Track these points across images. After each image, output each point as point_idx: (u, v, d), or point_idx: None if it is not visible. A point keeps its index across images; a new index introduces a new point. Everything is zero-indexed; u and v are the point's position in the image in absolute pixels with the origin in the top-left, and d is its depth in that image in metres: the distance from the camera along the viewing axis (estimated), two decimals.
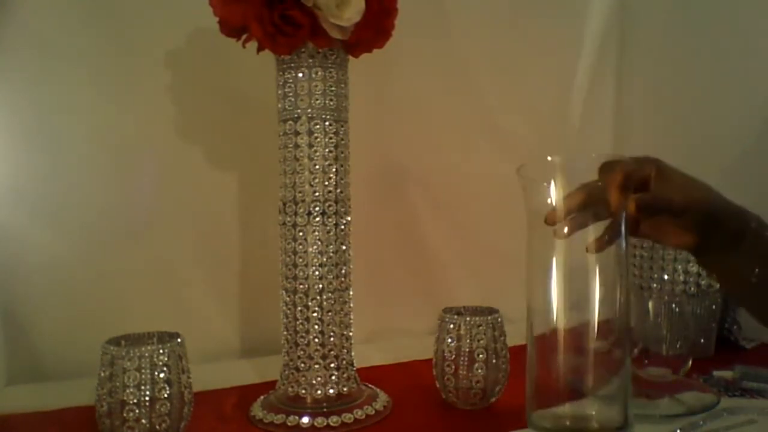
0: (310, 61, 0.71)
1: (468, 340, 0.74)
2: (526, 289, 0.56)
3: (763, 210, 1.01)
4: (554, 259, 0.53)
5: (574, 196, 0.53)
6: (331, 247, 0.73)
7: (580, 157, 0.56)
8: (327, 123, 0.72)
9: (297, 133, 0.72)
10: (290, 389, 0.75)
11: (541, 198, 0.53)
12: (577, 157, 0.56)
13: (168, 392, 0.62)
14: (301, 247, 0.73)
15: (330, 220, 0.73)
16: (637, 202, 0.55)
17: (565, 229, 0.53)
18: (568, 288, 0.53)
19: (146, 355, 0.61)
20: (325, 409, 0.72)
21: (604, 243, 0.53)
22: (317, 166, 0.72)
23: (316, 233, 0.73)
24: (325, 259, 0.73)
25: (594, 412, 0.54)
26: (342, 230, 0.74)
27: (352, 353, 0.77)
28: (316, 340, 0.73)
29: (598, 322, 0.53)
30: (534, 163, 0.53)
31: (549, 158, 0.53)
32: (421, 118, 1.12)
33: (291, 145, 0.73)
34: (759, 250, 0.57)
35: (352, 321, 0.77)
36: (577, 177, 0.53)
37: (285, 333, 0.75)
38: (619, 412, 0.52)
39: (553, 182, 0.52)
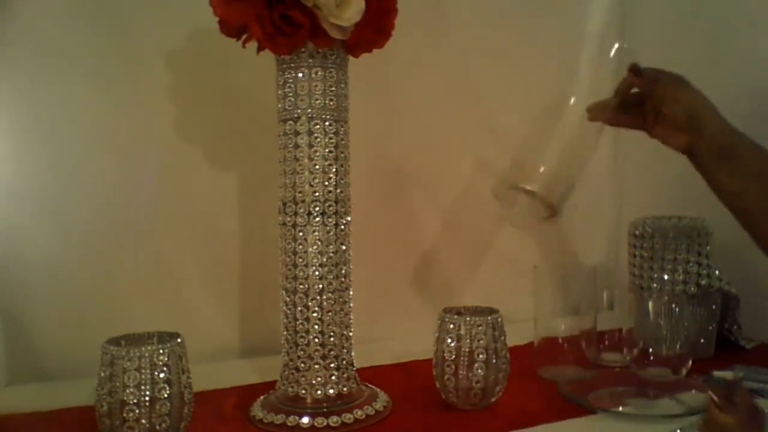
0: (310, 61, 0.71)
1: (468, 340, 0.74)
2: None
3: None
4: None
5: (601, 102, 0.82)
6: (331, 247, 0.73)
7: None
8: (327, 123, 0.72)
9: (297, 133, 0.72)
10: (290, 389, 0.75)
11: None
12: None
13: (168, 392, 0.62)
14: (301, 247, 0.73)
15: (330, 220, 0.73)
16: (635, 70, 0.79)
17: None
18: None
19: (146, 355, 0.61)
20: (325, 409, 0.72)
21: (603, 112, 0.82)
22: (317, 166, 0.72)
23: (316, 233, 0.73)
24: (325, 259, 0.73)
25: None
26: (342, 230, 0.74)
27: (352, 353, 0.77)
28: (316, 340, 0.73)
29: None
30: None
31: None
32: (421, 118, 1.12)
33: (291, 145, 0.73)
34: (741, 169, 0.75)
35: (352, 321, 0.77)
36: None
37: (285, 333, 0.75)
38: None
39: None
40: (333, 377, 0.74)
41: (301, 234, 0.73)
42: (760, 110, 1.06)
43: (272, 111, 0.75)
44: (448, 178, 1.15)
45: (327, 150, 0.73)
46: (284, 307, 0.75)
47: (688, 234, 0.96)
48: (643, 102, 0.82)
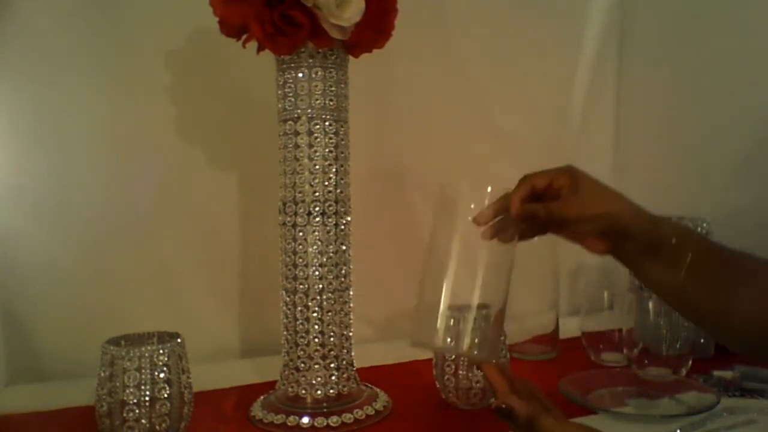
0: (310, 61, 0.71)
1: None
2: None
3: (760, 210, 1.01)
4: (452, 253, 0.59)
5: (494, 204, 0.60)
6: (331, 247, 0.73)
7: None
8: (327, 123, 0.72)
9: (297, 133, 0.72)
10: (290, 389, 0.75)
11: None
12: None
13: (168, 392, 0.62)
14: (301, 247, 0.73)
15: (330, 220, 0.73)
16: (527, 211, 0.59)
17: (488, 231, 0.60)
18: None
19: (146, 355, 0.61)
20: (325, 409, 0.72)
21: (495, 234, 0.60)
22: (317, 166, 0.72)
23: (316, 233, 0.73)
24: (325, 259, 0.73)
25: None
26: (342, 230, 0.74)
27: (352, 353, 0.77)
28: (316, 340, 0.73)
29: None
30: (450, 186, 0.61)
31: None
32: (421, 118, 1.12)
33: (291, 145, 0.73)
34: (680, 263, 0.58)
35: (352, 321, 0.77)
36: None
37: (285, 333, 0.75)
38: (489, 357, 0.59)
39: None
40: (333, 377, 0.74)
41: (301, 234, 0.73)
42: (760, 109, 1.06)
43: (272, 111, 0.75)
44: (448, 178, 1.15)
45: (327, 150, 0.73)
46: (284, 307, 0.75)
47: None
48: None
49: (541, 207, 0.59)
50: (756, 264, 0.59)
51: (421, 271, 0.62)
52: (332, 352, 0.74)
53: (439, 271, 0.60)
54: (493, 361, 0.60)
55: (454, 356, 0.75)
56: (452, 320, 0.58)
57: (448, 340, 0.57)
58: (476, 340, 0.57)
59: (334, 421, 0.71)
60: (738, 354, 0.81)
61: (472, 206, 0.59)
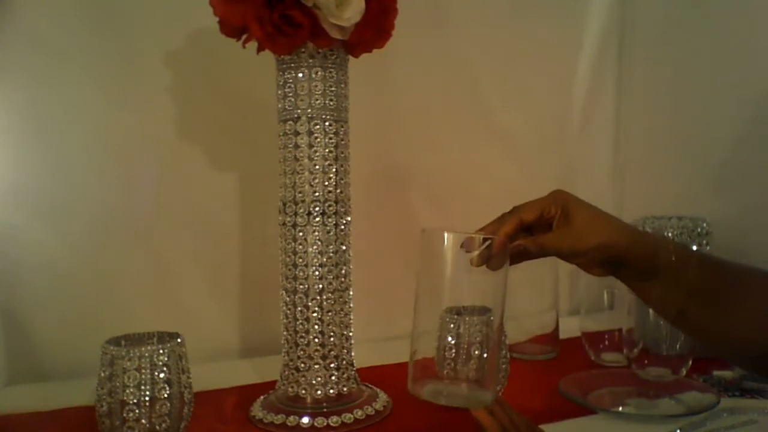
0: (310, 61, 0.71)
1: (467, 340, 0.74)
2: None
3: (760, 210, 1.01)
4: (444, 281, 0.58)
5: (484, 232, 0.58)
6: (331, 247, 0.73)
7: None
8: (327, 123, 0.72)
9: (297, 133, 0.72)
10: (290, 389, 0.75)
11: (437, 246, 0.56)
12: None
13: (168, 392, 0.62)
14: (301, 247, 0.73)
15: (330, 220, 0.73)
16: (520, 248, 0.58)
17: (475, 259, 0.56)
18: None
19: (146, 355, 0.61)
20: (325, 409, 0.72)
21: (482, 263, 0.56)
22: (317, 166, 0.72)
23: (316, 233, 0.73)
24: (325, 259, 0.73)
25: (465, 391, 0.61)
26: (342, 230, 0.74)
27: (352, 353, 0.77)
28: (316, 340, 0.73)
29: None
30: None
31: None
32: (421, 118, 1.12)
33: (291, 145, 0.73)
34: (681, 282, 0.57)
35: (352, 321, 0.77)
36: None
37: (285, 333, 0.75)
38: (487, 395, 0.59)
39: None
40: (333, 377, 0.74)
41: (301, 234, 0.73)
42: (760, 110, 1.06)
43: (272, 111, 0.75)
44: (448, 178, 1.15)
45: (327, 150, 0.73)
46: (284, 307, 0.75)
47: (688, 234, 0.96)
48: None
49: (532, 243, 0.58)
50: (757, 278, 0.58)
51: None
52: (332, 352, 0.74)
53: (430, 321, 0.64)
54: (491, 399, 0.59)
55: (454, 355, 0.75)
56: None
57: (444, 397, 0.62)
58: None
59: (334, 421, 0.71)
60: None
61: (457, 252, 0.56)
